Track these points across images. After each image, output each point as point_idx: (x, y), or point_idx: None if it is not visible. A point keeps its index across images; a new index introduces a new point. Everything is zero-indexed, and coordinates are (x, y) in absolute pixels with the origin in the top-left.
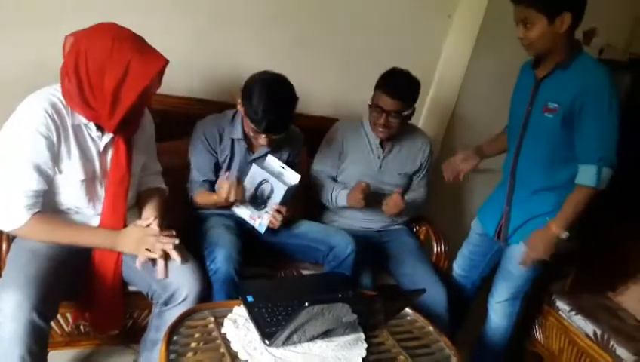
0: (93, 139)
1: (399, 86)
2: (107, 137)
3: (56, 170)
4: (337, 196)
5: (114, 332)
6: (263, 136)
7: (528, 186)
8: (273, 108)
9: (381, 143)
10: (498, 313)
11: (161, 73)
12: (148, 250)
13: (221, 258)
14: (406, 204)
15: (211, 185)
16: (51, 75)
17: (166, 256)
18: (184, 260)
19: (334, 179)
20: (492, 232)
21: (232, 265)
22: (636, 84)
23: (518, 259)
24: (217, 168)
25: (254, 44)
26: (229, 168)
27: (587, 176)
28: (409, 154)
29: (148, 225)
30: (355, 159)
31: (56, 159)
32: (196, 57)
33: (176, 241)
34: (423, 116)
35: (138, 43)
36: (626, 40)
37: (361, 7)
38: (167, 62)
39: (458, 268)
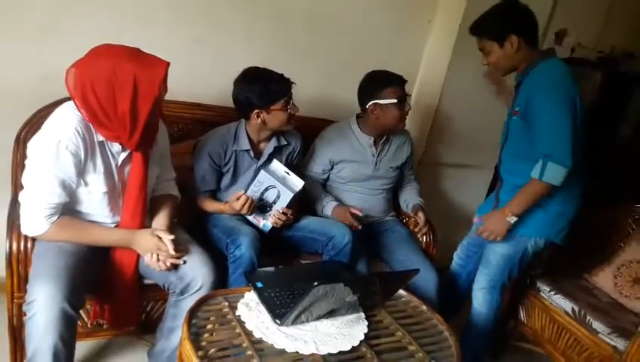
0: (112, 154)
1: (395, 74)
2: (125, 153)
3: (82, 182)
4: (325, 206)
5: (130, 329)
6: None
7: (511, 183)
8: (274, 74)
9: (374, 142)
10: (479, 300)
11: (165, 77)
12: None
13: (246, 244)
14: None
15: (213, 193)
16: (55, 86)
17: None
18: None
19: (324, 183)
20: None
21: (254, 252)
22: (605, 81)
23: (496, 249)
24: (220, 177)
25: (248, 51)
26: (233, 176)
27: (535, 168)
28: (397, 148)
29: (160, 238)
30: (350, 160)
31: (81, 173)
32: (194, 65)
33: (183, 261)
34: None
35: (135, 55)
36: (596, 40)
37: (348, 14)
38: (168, 64)
39: (457, 257)
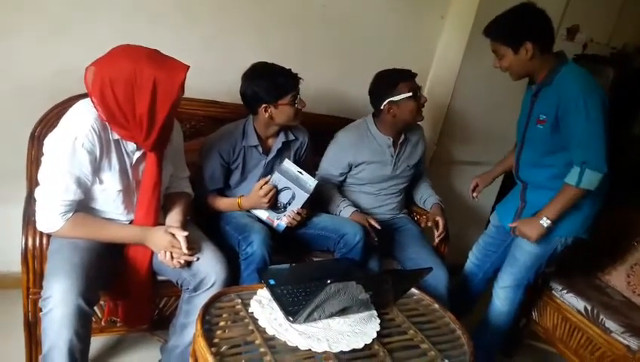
0: (127, 153)
1: (403, 69)
2: (139, 151)
3: (97, 180)
4: (342, 210)
5: (143, 327)
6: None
7: (537, 185)
8: (282, 69)
9: (393, 143)
10: (501, 298)
11: (184, 81)
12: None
13: (258, 242)
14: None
15: (220, 192)
16: (69, 82)
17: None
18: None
19: (340, 185)
20: (508, 226)
21: (266, 249)
22: (618, 77)
23: (525, 247)
24: (228, 175)
25: (258, 49)
26: (242, 173)
27: (572, 176)
28: (414, 146)
29: (173, 235)
30: (370, 162)
31: (97, 171)
32: (206, 63)
33: (197, 257)
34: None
35: (156, 58)
36: (609, 35)
37: (359, 11)
38: (188, 68)
39: (473, 256)
